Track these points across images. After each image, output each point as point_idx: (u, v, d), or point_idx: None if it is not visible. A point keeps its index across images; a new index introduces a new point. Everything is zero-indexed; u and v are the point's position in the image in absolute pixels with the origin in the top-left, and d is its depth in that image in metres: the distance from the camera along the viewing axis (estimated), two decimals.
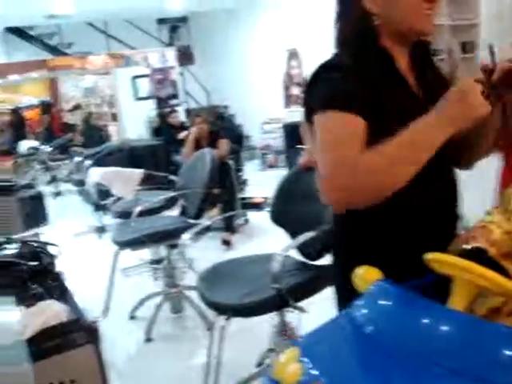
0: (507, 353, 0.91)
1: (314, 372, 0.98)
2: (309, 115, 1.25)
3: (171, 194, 3.65)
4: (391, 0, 1.24)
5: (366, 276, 1.17)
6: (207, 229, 3.45)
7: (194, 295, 3.33)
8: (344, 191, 1.15)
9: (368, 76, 1.22)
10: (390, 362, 0.97)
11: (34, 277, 1.44)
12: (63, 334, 1.19)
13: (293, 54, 8.17)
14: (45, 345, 1.15)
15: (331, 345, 1.06)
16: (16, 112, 12.82)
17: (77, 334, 1.20)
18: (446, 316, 1.00)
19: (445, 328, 0.98)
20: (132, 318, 3.58)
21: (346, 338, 1.09)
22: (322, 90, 1.22)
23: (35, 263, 1.52)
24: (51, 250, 1.64)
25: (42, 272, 1.48)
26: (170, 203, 3.84)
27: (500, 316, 1.14)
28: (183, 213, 3.63)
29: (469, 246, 1.12)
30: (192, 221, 3.20)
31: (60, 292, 1.42)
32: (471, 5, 5.87)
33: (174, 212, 3.97)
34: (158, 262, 4.02)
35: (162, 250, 3.69)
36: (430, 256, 1.09)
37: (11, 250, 1.70)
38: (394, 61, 1.28)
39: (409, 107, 1.25)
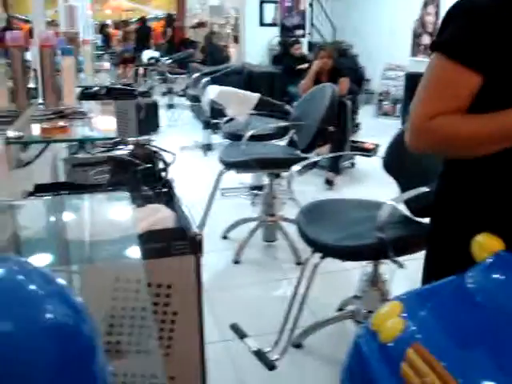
0: None
1: (415, 331, 0.93)
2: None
3: (285, 123, 3.60)
4: None
5: (486, 244, 1.08)
6: (314, 165, 3.38)
7: (288, 228, 3.34)
8: (421, 144, 1.18)
9: (503, 19, 1.06)
10: (497, 335, 0.90)
11: (146, 179, 1.46)
12: (168, 240, 1.20)
13: (430, 0, 7.64)
14: (150, 246, 1.17)
15: (436, 307, 1.00)
16: (143, 22, 13.18)
17: (181, 242, 1.21)
18: None
19: None
20: (225, 237, 3.66)
21: (454, 303, 1.02)
22: (449, 33, 1.12)
23: (149, 165, 1.54)
24: (166, 156, 1.66)
25: (155, 176, 1.50)
26: (281, 132, 3.80)
27: None
28: (291, 144, 3.58)
29: None
30: (301, 154, 3.16)
31: (169, 199, 1.43)
32: None
33: (283, 142, 3.94)
34: (258, 188, 4.05)
35: (264, 178, 3.69)
36: None
37: (126, 150, 1.74)
38: None
39: None
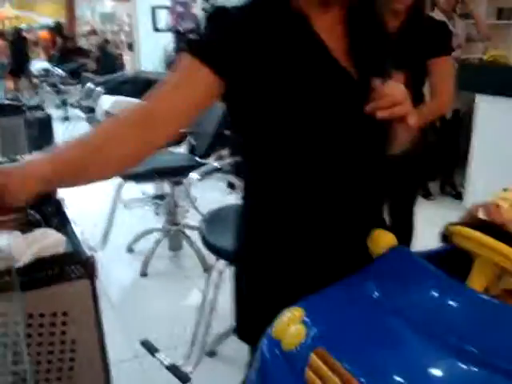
0: None
1: (316, 336, 0.93)
2: None
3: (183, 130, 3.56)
4: None
5: (380, 240, 1.11)
6: (214, 170, 3.37)
7: (193, 235, 3.31)
8: None
9: (262, 33, 1.01)
10: (396, 331, 0.92)
11: (32, 202, 1.37)
12: (59, 266, 1.14)
13: None
14: (38, 274, 1.10)
15: (337, 308, 1.01)
16: (18, 33, 12.45)
17: (73, 266, 1.15)
18: (461, 293, 0.94)
19: (457, 305, 0.92)
20: (130, 251, 3.57)
21: (354, 302, 1.02)
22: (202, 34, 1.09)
23: None
24: None
25: (42, 197, 1.42)
26: (177, 139, 3.75)
27: None
28: (191, 150, 3.55)
29: (485, 218, 1.05)
30: (200, 160, 3.14)
31: (59, 221, 1.36)
32: None
33: (182, 149, 3.89)
34: (161, 197, 3.98)
35: (166, 186, 3.64)
36: (453, 229, 1.02)
37: None
38: (309, 22, 1.04)
39: (325, 79, 1.04)
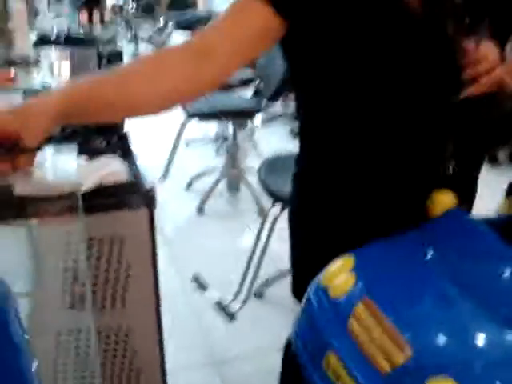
0: None
1: (365, 286, 0.94)
2: None
3: (248, 72, 3.53)
4: None
5: (440, 201, 1.09)
6: (280, 115, 3.36)
7: (252, 179, 3.33)
8: None
9: None
10: (445, 293, 0.92)
11: (100, 130, 1.41)
12: (120, 194, 1.18)
13: None
14: (100, 200, 1.14)
15: (389, 263, 1.00)
16: None
17: (133, 195, 1.19)
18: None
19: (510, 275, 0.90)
20: (188, 188, 3.63)
21: (406, 259, 1.02)
22: None
23: None
24: None
25: (109, 127, 1.46)
26: (246, 82, 3.73)
27: None
28: (257, 93, 3.53)
29: None
30: (267, 103, 3.12)
31: (123, 151, 1.39)
32: None
33: (249, 91, 3.87)
34: (223, 138, 4.00)
35: (229, 128, 3.66)
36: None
37: None
38: None
39: (389, 18, 0.99)
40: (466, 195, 2.46)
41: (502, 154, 4.56)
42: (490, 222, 1.11)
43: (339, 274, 0.98)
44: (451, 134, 1.16)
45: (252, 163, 3.37)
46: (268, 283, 2.54)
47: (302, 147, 1.18)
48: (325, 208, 1.16)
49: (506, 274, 0.91)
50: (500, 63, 1.00)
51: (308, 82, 1.07)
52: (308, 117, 1.13)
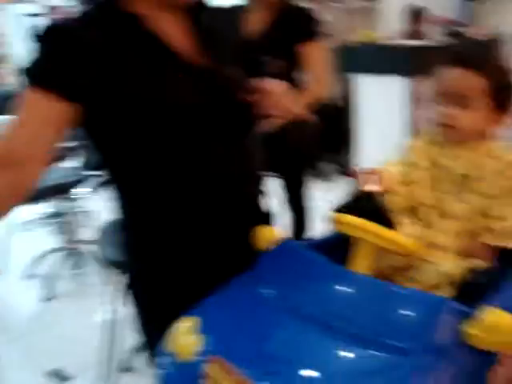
0: (405, 314, 0.89)
1: (211, 344, 0.93)
2: None
3: (71, 143, 3.42)
4: None
5: (262, 236, 1.13)
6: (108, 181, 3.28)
7: (95, 249, 3.20)
8: None
9: (102, 45, 0.96)
10: (289, 328, 0.94)
11: None
12: None
13: None
14: None
15: (230, 313, 1.01)
16: None
17: None
18: (346, 278, 0.98)
19: (345, 291, 0.95)
20: (29, 276, 3.39)
21: (245, 302, 1.03)
22: (33, 59, 0.97)
23: None
24: None
25: None
26: (71, 153, 3.61)
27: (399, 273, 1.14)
28: (84, 164, 3.43)
29: (365, 189, 1.10)
30: (93, 172, 3.04)
31: None
32: None
33: (74, 163, 3.75)
34: (57, 215, 3.81)
35: (61, 203, 3.49)
36: (332, 216, 1.06)
37: None
38: (146, 23, 1.02)
39: (180, 81, 1.03)
40: (298, 215, 2.61)
41: (328, 168, 4.91)
42: (318, 244, 1.17)
43: (183, 337, 0.97)
44: (263, 169, 1.23)
45: (91, 234, 3.25)
46: (134, 354, 2.43)
47: (122, 213, 1.16)
48: (159, 269, 1.15)
49: (343, 293, 0.96)
50: (286, 95, 1.10)
51: (114, 148, 1.06)
52: (120, 185, 1.13)
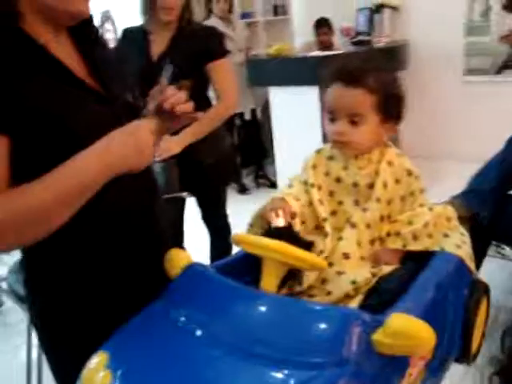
0: (316, 329, 0.90)
1: (123, 379, 0.89)
2: None
3: None
4: None
5: (174, 260, 1.11)
6: None
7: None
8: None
9: (8, 74, 0.90)
10: (205, 356, 0.91)
11: None
12: None
13: (105, 18, 7.71)
14: None
15: (142, 344, 0.97)
16: None
17: None
18: (258, 300, 0.97)
19: (259, 313, 0.94)
20: None
21: (156, 331, 1.00)
22: None
23: None
24: None
25: None
26: None
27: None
28: None
29: (274, 224, 1.11)
30: None
31: None
32: None
33: None
34: None
35: None
36: (237, 237, 1.05)
37: None
38: (44, 50, 0.97)
39: (71, 98, 0.99)
40: (221, 233, 2.60)
41: (248, 182, 4.95)
42: (227, 267, 1.16)
43: (96, 374, 0.93)
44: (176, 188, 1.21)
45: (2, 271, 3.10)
46: None
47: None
48: (64, 305, 1.10)
49: (246, 311, 0.95)
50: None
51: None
52: None
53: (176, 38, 2.19)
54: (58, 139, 0.95)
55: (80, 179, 0.92)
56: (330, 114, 1.22)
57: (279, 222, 1.12)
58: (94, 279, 1.09)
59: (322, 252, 1.17)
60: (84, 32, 1.08)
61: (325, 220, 1.22)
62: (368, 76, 1.19)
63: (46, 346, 1.16)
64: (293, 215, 1.18)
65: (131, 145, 0.96)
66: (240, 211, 2.79)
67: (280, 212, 1.14)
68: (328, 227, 1.21)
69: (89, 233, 1.05)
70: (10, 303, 3.16)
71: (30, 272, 1.12)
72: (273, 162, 4.62)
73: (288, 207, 1.18)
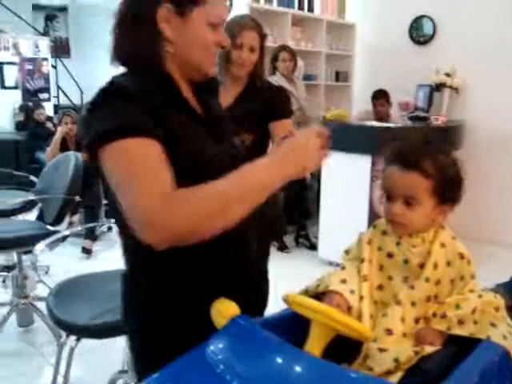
0: None
1: None
2: (91, 150, 1.08)
3: (29, 197, 3.39)
4: (187, 30, 1.17)
5: (222, 310, 1.12)
6: (66, 237, 3.22)
7: (45, 308, 3.10)
8: (166, 230, 1.01)
9: (151, 103, 1.10)
10: None
11: None
12: None
13: None
14: None
15: None
16: None
17: None
18: (299, 360, 0.97)
19: (298, 373, 0.95)
20: None
21: (196, 379, 1.01)
22: (107, 119, 1.06)
23: None
24: None
25: None
26: (28, 206, 3.56)
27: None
28: (41, 217, 3.38)
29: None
30: (49, 227, 2.99)
31: None
32: (348, 36, 6.16)
33: (32, 215, 3.69)
34: (8, 268, 3.71)
35: (14, 256, 3.41)
36: (290, 297, 1.06)
37: None
38: (180, 90, 1.20)
39: (199, 135, 1.20)
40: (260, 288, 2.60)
41: (289, 241, 4.93)
42: (272, 323, 1.17)
43: None
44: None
45: (43, 291, 3.16)
46: None
47: (129, 266, 1.27)
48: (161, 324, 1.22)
49: (291, 371, 0.96)
50: None
51: None
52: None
53: (245, 93, 2.26)
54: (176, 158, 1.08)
55: (259, 180, 1.09)
56: (387, 193, 1.25)
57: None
58: (190, 298, 1.19)
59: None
60: (207, 83, 1.29)
61: (373, 296, 1.23)
62: (425, 160, 1.20)
63: (138, 349, 1.29)
64: (349, 309, 1.19)
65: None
66: (279, 268, 2.80)
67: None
68: (377, 298, 1.22)
69: (191, 255, 1.14)
70: (38, 323, 3.21)
71: (131, 285, 1.27)
72: (315, 223, 4.63)
73: (345, 303, 1.19)
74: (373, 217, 3.72)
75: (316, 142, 1.14)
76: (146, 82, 1.13)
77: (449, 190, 1.23)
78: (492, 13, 4.84)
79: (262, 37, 2.29)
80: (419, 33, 5.41)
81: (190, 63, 1.21)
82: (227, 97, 2.29)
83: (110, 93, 1.10)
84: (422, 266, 1.22)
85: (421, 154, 1.22)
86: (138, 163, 1.03)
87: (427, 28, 5.39)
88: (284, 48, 4.57)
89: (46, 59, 8.53)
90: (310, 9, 5.70)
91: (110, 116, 1.06)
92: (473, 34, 4.97)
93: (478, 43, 4.93)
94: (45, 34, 9.50)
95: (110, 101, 1.08)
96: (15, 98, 8.01)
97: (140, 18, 1.15)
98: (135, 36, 1.16)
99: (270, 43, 4.82)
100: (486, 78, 4.92)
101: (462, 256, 1.23)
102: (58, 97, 8.91)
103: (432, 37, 5.36)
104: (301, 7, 5.59)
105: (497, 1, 4.84)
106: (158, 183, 1.02)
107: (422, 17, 5.39)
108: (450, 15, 5.16)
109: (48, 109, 7.75)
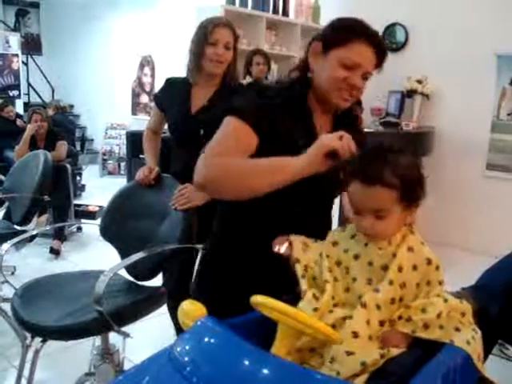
0: None
1: None
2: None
3: None
4: (324, 65, 1.44)
5: (189, 312, 1.12)
6: (33, 237, 3.17)
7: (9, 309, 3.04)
8: (200, 174, 1.37)
9: (272, 105, 1.45)
10: None
11: None
12: None
13: (146, 61, 7.99)
14: None
15: None
16: None
17: None
18: (265, 362, 0.97)
19: (263, 375, 0.95)
20: None
21: (164, 380, 1.00)
22: (238, 100, 1.51)
23: None
24: None
25: None
26: None
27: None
28: (8, 216, 3.32)
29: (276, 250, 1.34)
30: (16, 227, 2.93)
31: None
32: None
33: None
34: None
35: None
36: (255, 299, 1.06)
37: None
38: (312, 115, 1.50)
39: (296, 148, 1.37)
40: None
41: None
42: (238, 325, 1.17)
43: None
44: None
45: (8, 292, 3.09)
46: None
47: (221, 214, 1.66)
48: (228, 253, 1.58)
49: (255, 373, 0.95)
50: None
51: None
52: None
53: (218, 93, 2.26)
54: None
55: (273, 169, 1.34)
56: (354, 209, 1.27)
57: (282, 249, 1.32)
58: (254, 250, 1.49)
59: (316, 309, 1.21)
60: (345, 115, 1.57)
61: (327, 282, 1.26)
62: (385, 171, 1.20)
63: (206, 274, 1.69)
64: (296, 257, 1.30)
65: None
66: None
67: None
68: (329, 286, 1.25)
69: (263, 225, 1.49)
70: (2, 325, 3.14)
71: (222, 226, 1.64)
72: None
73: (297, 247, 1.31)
74: (343, 222, 3.73)
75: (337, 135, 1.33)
76: (285, 94, 1.50)
77: (414, 191, 1.25)
78: (463, 22, 4.92)
79: (236, 37, 2.29)
80: (391, 40, 5.47)
81: (322, 93, 1.48)
82: (201, 98, 2.29)
83: (255, 87, 1.50)
84: (385, 268, 1.23)
85: (380, 165, 1.21)
86: (225, 131, 1.43)
87: (399, 35, 5.44)
88: (258, 51, 4.58)
89: (16, 55, 8.38)
90: (285, 13, 5.72)
91: (241, 99, 1.51)
92: (444, 42, 5.04)
93: (449, 51, 5.01)
94: (15, 29, 9.35)
95: (250, 91, 1.56)
96: None
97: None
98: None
99: (244, 46, 4.81)
100: (457, 85, 5.00)
101: (429, 261, 1.25)
102: (28, 94, 8.78)
103: (404, 44, 5.42)
104: (275, 11, 5.60)
105: (468, 10, 4.92)
106: (221, 148, 1.40)
107: (394, 24, 5.44)
108: (422, 23, 5.23)
109: (18, 106, 7.61)
